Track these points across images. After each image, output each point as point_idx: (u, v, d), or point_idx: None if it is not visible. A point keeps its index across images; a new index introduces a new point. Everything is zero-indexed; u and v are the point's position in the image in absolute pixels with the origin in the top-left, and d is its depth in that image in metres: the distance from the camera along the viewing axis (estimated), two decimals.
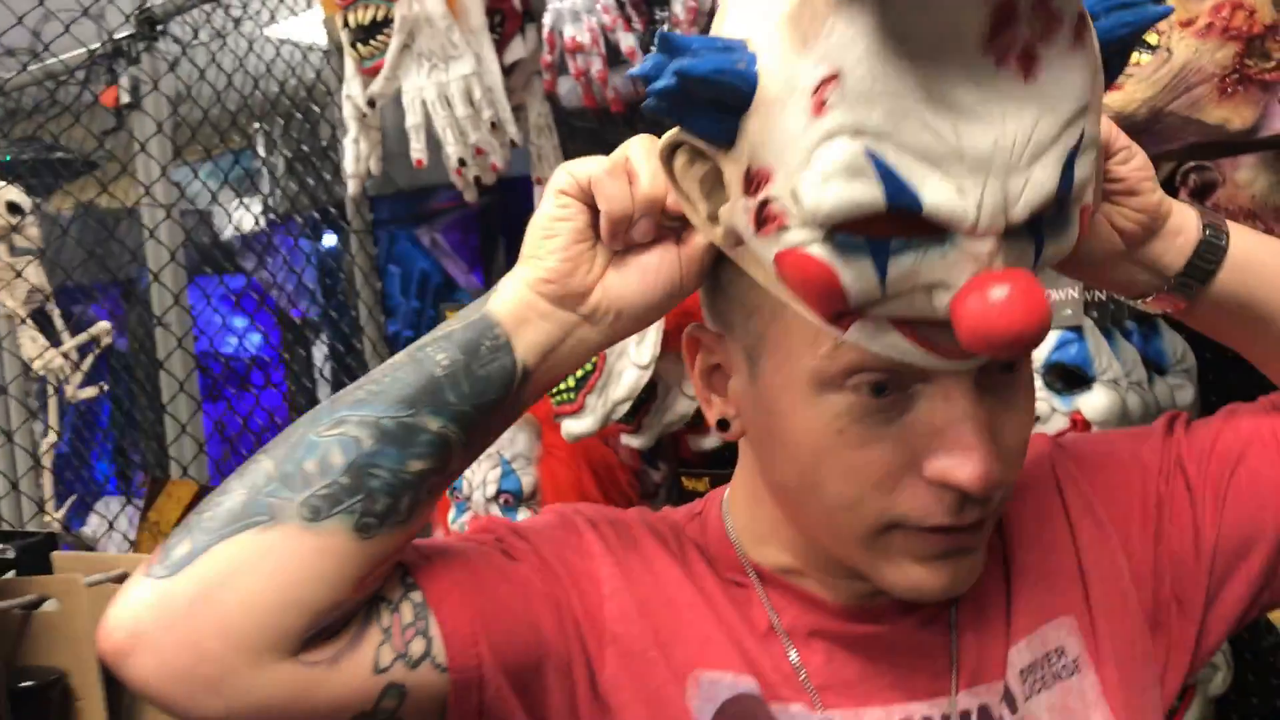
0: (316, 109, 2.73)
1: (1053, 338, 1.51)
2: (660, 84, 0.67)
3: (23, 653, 1.18)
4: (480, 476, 1.99)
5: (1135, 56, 1.18)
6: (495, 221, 3.74)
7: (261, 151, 2.94)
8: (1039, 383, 1.49)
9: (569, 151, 2.03)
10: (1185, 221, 0.84)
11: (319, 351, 3.60)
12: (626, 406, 1.77)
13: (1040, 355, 1.49)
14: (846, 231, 0.66)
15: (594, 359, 1.77)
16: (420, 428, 0.74)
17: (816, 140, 0.65)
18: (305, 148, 2.80)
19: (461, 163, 1.89)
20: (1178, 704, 1.52)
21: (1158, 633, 0.89)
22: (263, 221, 3.04)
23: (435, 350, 0.76)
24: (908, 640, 0.85)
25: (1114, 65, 0.72)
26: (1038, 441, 0.94)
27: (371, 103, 1.93)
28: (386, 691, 0.75)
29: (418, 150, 1.90)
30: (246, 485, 0.73)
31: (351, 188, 2.02)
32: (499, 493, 1.99)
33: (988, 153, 0.63)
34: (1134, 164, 0.82)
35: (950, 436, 0.73)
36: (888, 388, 0.73)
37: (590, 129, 1.98)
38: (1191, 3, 1.13)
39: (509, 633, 0.79)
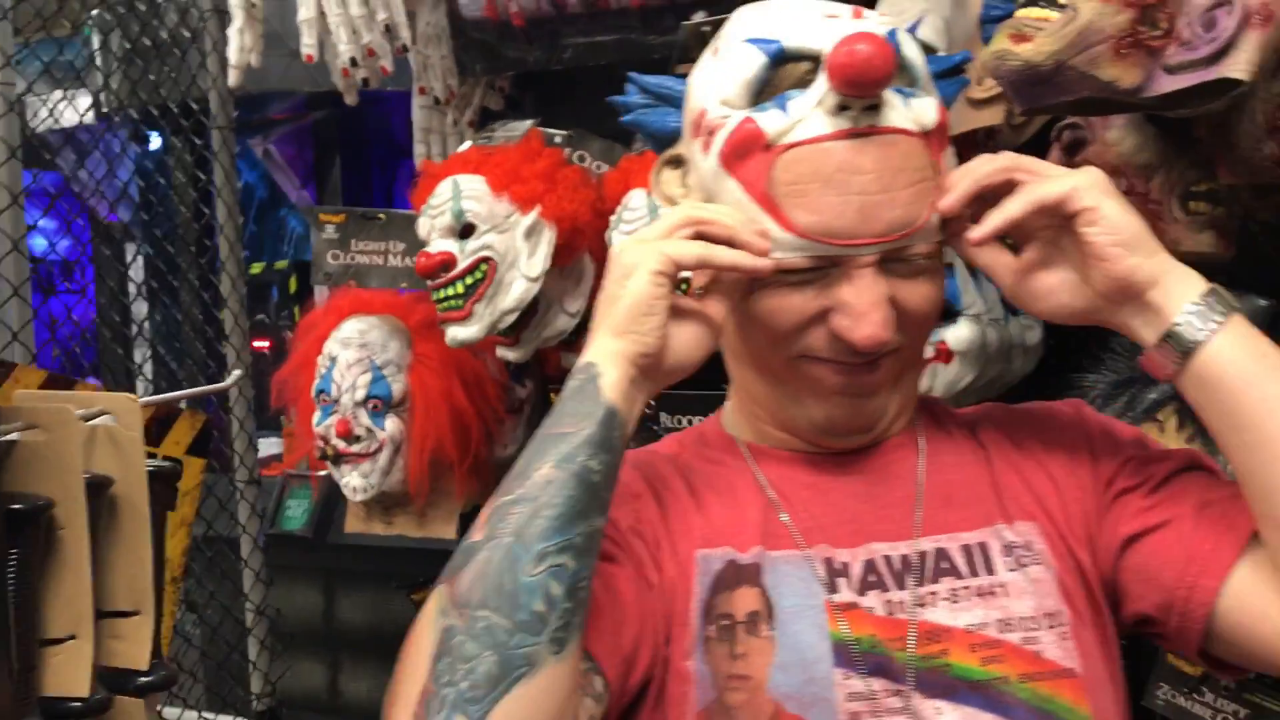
0: None
1: None
2: (627, 98, 1.07)
3: (6, 480, 1.14)
4: (350, 381, 1.99)
5: (1045, 13, 1.30)
6: (331, 136, 3.67)
7: (96, 39, 2.79)
8: None
9: (461, 64, 2.04)
10: (1169, 300, 0.91)
11: (131, 256, 3.45)
12: (514, 317, 1.81)
13: None
14: (759, 101, 0.94)
15: (484, 268, 1.80)
16: (596, 530, 0.87)
17: (722, 68, 0.97)
18: (147, 40, 2.67)
19: (354, 63, 1.88)
20: None
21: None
22: (90, 116, 2.89)
23: (589, 460, 0.86)
24: (874, 488, 1.01)
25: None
26: (1067, 403, 1.10)
27: None
28: None
29: (309, 45, 1.88)
30: (488, 645, 0.81)
31: (232, 79, 1.97)
32: (368, 398, 2.00)
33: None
34: (1099, 228, 0.91)
35: (852, 305, 0.93)
36: (812, 271, 0.93)
37: (487, 42, 1.98)
38: None
39: (636, 632, 0.92)
